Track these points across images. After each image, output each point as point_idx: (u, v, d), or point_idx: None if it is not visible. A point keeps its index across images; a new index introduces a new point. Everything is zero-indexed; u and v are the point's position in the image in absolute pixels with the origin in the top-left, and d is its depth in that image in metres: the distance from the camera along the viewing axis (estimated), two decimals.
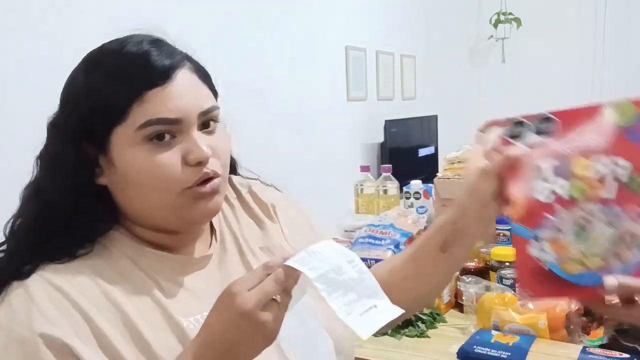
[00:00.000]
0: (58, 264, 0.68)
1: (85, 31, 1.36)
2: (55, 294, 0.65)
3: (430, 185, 1.75)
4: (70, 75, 0.74)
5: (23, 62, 1.25)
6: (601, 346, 1.06)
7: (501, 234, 1.51)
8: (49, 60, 1.28)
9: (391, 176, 2.06)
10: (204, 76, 0.75)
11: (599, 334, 1.11)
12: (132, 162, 0.68)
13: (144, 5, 1.56)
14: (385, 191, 2.04)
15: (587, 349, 1.05)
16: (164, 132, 0.68)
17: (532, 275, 0.73)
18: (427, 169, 2.94)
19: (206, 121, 0.72)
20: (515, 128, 0.75)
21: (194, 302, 0.73)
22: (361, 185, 2.11)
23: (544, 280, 0.72)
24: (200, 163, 0.69)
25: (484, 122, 0.80)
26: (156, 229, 0.74)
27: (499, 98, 4.08)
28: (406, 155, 3.01)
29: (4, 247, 0.72)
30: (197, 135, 0.70)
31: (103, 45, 0.74)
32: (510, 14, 3.75)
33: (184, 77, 0.70)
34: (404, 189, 1.92)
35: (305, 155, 2.29)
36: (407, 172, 2.41)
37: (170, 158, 0.68)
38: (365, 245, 1.47)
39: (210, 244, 0.82)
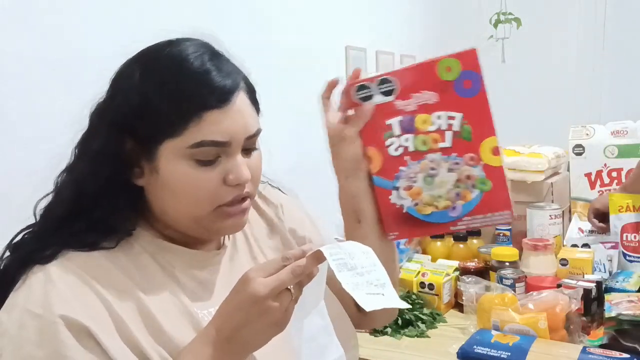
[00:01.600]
0: (80, 251, 0.69)
1: (85, 31, 1.36)
2: (75, 280, 0.66)
3: None
4: (123, 67, 0.74)
5: (23, 62, 1.25)
6: (601, 346, 1.06)
7: (501, 234, 1.51)
8: (49, 60, 1.28)
9: None
10: (253, 96, 0.77)
11: (599, 334, 1.11)
12: (176, 175, 0.70)
13: (143, 4, 1.56)
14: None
15: (587, 349, 1.05)
16: (213, 153, 0.70)
17: (395, 219, 0.86)
18: None
19: (249, 144, 0.74)
20: (360, 91, 0.84)
21: (207, 295, 0.76)
22: None
23: (405, 222, 0.85)
24: (239, 184, 0.72)
25: (325, 84, 0.89)
26: (178, 231, 0.76)
27: (499, 98, 4.07)
28: None
29: (30, 229, 0.73)
30: (240, 158, 0.72)
31: (161, 48, 0.73)
32: (510, 14, 3.74)
33: (241, 102, 0.72)
34: None
35: (305, 155, 2.29)
36: None
37: (212, 177, 0.71)
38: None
39: (223, 242, 0.84)
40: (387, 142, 0.84)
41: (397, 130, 0.83)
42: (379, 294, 0.63)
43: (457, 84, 0.81)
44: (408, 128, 0.82)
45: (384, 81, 0.82)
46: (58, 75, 1.30)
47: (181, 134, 0.68)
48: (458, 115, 0.81)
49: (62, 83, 1.30)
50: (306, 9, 2.36)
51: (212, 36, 0.76)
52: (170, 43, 0.73)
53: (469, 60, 0.81)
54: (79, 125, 0.75)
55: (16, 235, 0.73)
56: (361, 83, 0.83)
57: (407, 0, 3.37)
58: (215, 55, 0.73)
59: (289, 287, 0.64)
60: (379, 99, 0.83)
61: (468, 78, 0.80)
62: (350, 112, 0.86)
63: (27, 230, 0.73)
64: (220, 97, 0.69)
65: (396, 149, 0.83)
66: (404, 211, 0.85)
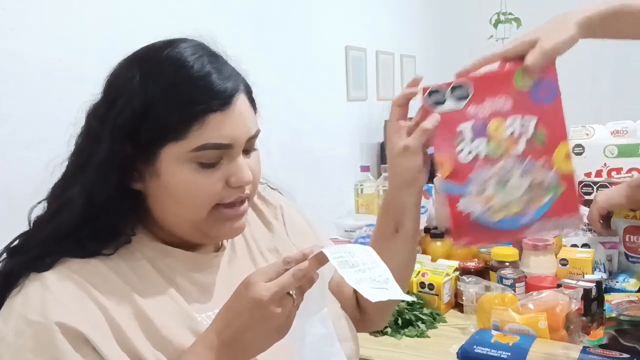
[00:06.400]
0: (78, 259, 0.68)
1: (85, 31, 1.36)
2: (73, 286, 0.66)
3: (431, 185, 1.75)
4: (120, 69, 0.73)
5: (23, 62, 1.24)
6: (601, 346, 1.06)
7: None
8: (49, 60, 1.28)
9: None
10: (251, 97, 0.77)
11: (599, 334, 1.11)
12: (178, 179, 0.70)
13: (143, 4, 1.56)
14: (385, 191, 2.04)
15: (587, 349, 1.05)
16: (215, 156, 0.70)
17: (464, 226, 0.83)
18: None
19: (249, 145, 0.75)
20: (432, 96, 0.84)
21: (206, 298, 0.76)
22: (361, 185, 2.11)
23: (474, 229, 0.83)
24: (241, 186, 0.72)
25: (401, 95, 0.88)
26: (176, 235, 0.76)
27: None
28: None
29: (30, 234, 0.72)
30: (241, 160, 0.72)
31: (159, 50, 0.72)
32: (510, 14, 3.74)
33: (241, 103, 0.72)
34: None
35: (305, 155, 2.29)
36: None
37: (214, 179, 0.71)
38: (365, 245, 1.47)
39: (222, 244, 0.84)
40: (458, 148, 0.82)
41: (469, 135, 0.82)
42: (382, 288, 0.64)
43: (534, 92, 0.81)
44: (481, 133, 0.82)
45: (457, 87, 0.82)
46: (58, 75, 1.30)
47: (184, 138, 0.68)
48: (532, 120, 0.81)
49: (62, 83, 1.30)
50: (306, 9, 2.36)
51: (206, 36, 0.76)
52: (167, 44, 0.73)
53: (546, 68, 0.82)
54: (78, 126, 0.75)
55: (14, 240, 0.73)
56: (433, 89, 0.84)
57: (407, 0, 3.37)
58: (213, 57, 0.73)
59: (290, 292, 0.64)
60: (451, 104, 0.82)
61: (545, 86, 0.81)
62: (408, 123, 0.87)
63: (26, 236, 0.73)
64: (223, 101, 0.69)
65: (467, 155, 0.82)
66: (474, 218, 0.83)
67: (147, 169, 0.70)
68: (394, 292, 0.64)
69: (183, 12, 1.70)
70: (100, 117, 0.71)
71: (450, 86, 0.82)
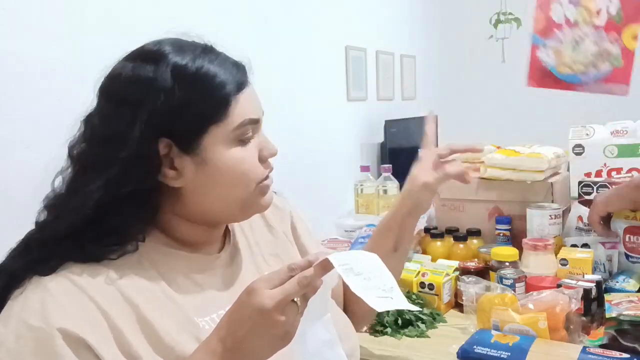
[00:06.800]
0: (81, 263, 0.68)
1: (85, 31, 1.36)
2: (75, 291, 0.65)
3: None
4: (140, 72, 0.71)
5: (23, 62, 1.25)
6: (601, 346, 1.06)
7: (501, 234, 1.51)
8: (49, 60, 1.28)
9: (391, 176, 2.06)
10: None
11: (599, 334, 1.10)
12: (226, 158, 0.72)
13: (143, 4, 1.56)
14: (385, 191, 2.04)
15: (587, 349, 1.04)
16: (251, 132, 0.75)
17: (536, 72, 1.09)
18: None
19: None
20: None
21: (208, 302, 0.75)
22: (361, 185, 2.11)
23: (542, 75, 1.09)
24: (269, 158, 0.78)
25: (450, 148, 1.03)
26: (206, 223, 0.78)
27: (499, 98, 4.08)
28: (406, 155, 2.99)
29: (37, 232, 0.72)
30: (263, 134, 0.78)
31: (167, 47, 0.72)
32: (510, 14, 3.74)
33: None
34: None
35: (305, 155, 2.29)
36: (407, 172, 2.39)
37: (252, 155, 0.75)
38: (365, 245, 1.47)
39: (224, 247, 0.84)
40: (552, 7, 1.05)
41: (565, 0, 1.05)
42: (388, 297, 0.64)
43: None
44: (574, 1, 1.03)
45: None
46: (58, 75, 1.30)
47: (225, 119, 0.71)
48: (617, 3, 1.01)
49: (62, 83, 1.30)
50: (306, 9, 2.36)
51: (188, 33, 0.77)
52: (169, 40, 0.75)
53: None
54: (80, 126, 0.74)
55: (23, 239, 0.72)
56: None
57: (407, 0, 3.37)
58: (207, 48, 0.76)
59: (295, 299, 0.63)
60: None
61: None
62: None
63: (31, 236, 0.72)
64: (245, 78, 0.75)
65: (558, 15, 1.04)
66: (544, 65, 1.07)
67: (189, 163, 0.71)
68: (399, 302, 0.65)
69: (183, 12, 1.70)
70: (122, 120, 0.69)
71: None
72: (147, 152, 0.68)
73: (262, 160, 0.76)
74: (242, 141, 0.74)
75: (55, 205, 0.71)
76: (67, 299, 0.64)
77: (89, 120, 0.73)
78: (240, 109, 0.72)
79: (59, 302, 0.64)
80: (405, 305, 0.65)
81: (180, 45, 0.74)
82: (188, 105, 0.69)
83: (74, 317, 0.63)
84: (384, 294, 0.64)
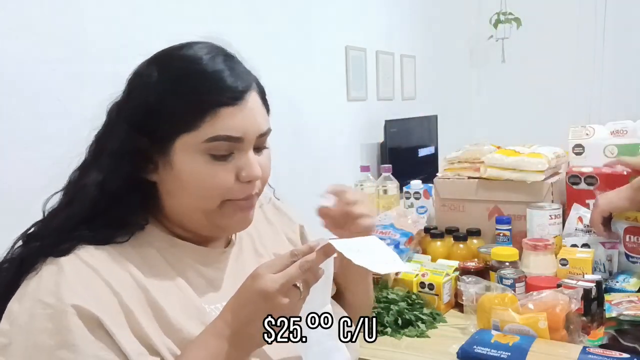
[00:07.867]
0: (93, 246, 0.70)
1: (85, 31, 1.37)
2: (87, 271, 0.67)
3: (430, 185, 1.75)
4: (141, 68, 0.76)
5: (24, 62, 1.25)
6: (601, 346, 1.06)
7: (501, 234, 1.51)
8: (49, 61, 1.28)
9: (391, 176, 2.06)
10: (264, 97, 0.80)
11: (599, 334, 1.11)
12: (190, 168, 0.72)
13: (142, 4, 1.56)
14: (385, 191, 2.04)
15: (587, 349, 1.04)
16: (226, 149, 0.72)
17: None
18: (427, 169, 2.93)
19: (260, 143, 0.77)
20: None
21: (213, 292, 0.78)
22: (361, 185, 2.10)
23: None
24: (250, 181, 0.75)
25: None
26: (187, 228, 0.78)
27: (499, 98, 4.08)
28: (406, 155, 3.01)
29: (46, 221, 0.74)
30: (252, 155, 0.75)
31: (176, 49, 0.76)
32: (510, 14, 3.75)
33: (253, 101, 0.75)
34: (404, 189, 1.92)
35: (305, 155, 2.29)
36: (407, 172, 2.41)
37: (225, 172, 0.73)
38: None
39: (230, 241, 0.87)
40: None
41: None
42: (391, 263, 0.69)
43: None
44: None
45: None
46: (58, 75, 1.30)
47: (197, 129, 0.71)
48: None
49: (62, 83, 1.30)
50: (306, 9, 2.36)
51: (224, 40, 0.79)
52: (184, 45, 0.76)
53: None
54: (88, 125, 0.76)
55: (30, 227, 0.74)
56: None
57: (407, 0, 3.37)
58: (228, 57, 0.76)
59: (297, 284, 0.65)
60: None
61: None
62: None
63: (42, 223, 0.74)
64: (235, 95, 0.72)
65: None
66: None
67: (162, 161, 0.73)
68: (400, 266, 0.71)
69: (182, 12, 1.70)
70: (117, 112, 0.75)
71: None
72: (129, 147, 0.71)
73: (241, 180, 0.74)
74: (215, 156, 0.72)
75: (67, 193, 0.75)
76: (80, 278, 0.66)
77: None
78: (220, 123, 0.71)
79: (72, 281, 0.65)
80: (405, 268, 0.70)
81: (190, 45, 0.76)
82: (164, 107, 0.71)
83: (88, 295, 0.64)
84: (386, 263, 0.69)
